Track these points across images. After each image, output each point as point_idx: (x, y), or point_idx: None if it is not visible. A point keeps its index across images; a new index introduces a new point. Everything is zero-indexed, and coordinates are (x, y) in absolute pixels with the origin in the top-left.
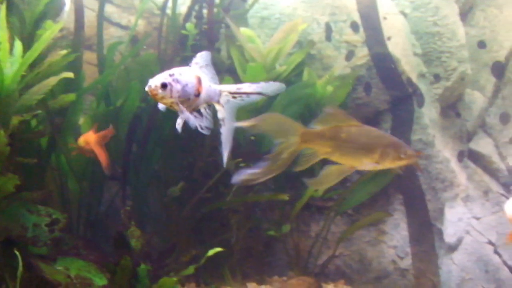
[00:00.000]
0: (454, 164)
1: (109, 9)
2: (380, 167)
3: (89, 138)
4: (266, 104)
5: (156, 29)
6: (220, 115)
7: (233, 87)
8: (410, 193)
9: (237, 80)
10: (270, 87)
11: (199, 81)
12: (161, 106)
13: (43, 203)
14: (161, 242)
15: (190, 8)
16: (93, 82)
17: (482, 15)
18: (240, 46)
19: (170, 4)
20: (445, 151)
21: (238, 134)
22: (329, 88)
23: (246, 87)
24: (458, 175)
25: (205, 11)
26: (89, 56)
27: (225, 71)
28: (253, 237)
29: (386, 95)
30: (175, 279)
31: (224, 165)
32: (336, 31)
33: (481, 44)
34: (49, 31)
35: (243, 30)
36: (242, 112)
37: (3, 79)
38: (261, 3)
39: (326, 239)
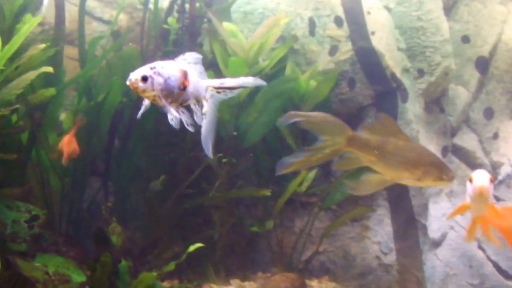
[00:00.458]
0: None
1: (91, 3)
2: (420, 184)
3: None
4: (248, 99)
5: (139, 24)
6: (204, 109)
7: (217, 82)
8: (394, 188)
9: (219, 75)
10: (253, 82)
11: (185, 75)
12: (146, 103)
13: (23, 199)
14: (143, 238)
15: (172, 3)
16: (74, 76)
17: (466, 10)
18: (223, 41)
19: None
20: (429, 146)
21: (220, 129)
22: (313, 83)
23: (229, 81)
24: None
25: (187, 5)
26: (71, 51)
27: (207, 66)
28: (237, 233)
29: (370, 90)
30: (154, 274)
31: (211, 156)
32: (320, 26)
33: (465, 39)
34: (28, 25)
35: (226, 24)
36: (225, 106)
37: None
38: None
39: (310, 235)
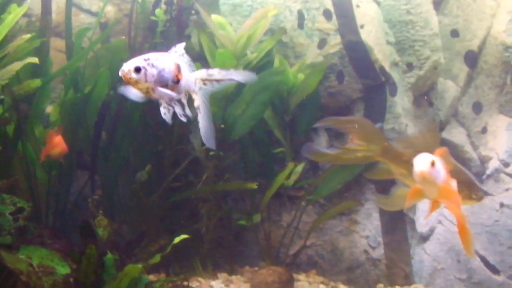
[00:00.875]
0: None
1: None
2: None
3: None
4: (236, 91)
5: (127, 16)
6: (195, 103)
7: (203, 73)
8: (382, 182)
9: (207, 67)
10: (241, 74)
11: (178, 68)
12: (134, 95)
13: (9, 191)
14: (130, 231)
15: None
16: (60, 68)
17: (455, 4)
18: (211, 33)
19: None
20: None
21: None
22: (301, 76)
23: (216, 73)
24: None
25: None
26: (59, 43)
27: (195, 58)
28: (224, 227)
29: (358, 84)
30: (140, 266)
31: (214, 148)
32: (309, 19)
33: (454, 33)
34: (13, 15)
35: (214, 17)
36: (212, 98)
37: None
38: None
39: (298, 229)
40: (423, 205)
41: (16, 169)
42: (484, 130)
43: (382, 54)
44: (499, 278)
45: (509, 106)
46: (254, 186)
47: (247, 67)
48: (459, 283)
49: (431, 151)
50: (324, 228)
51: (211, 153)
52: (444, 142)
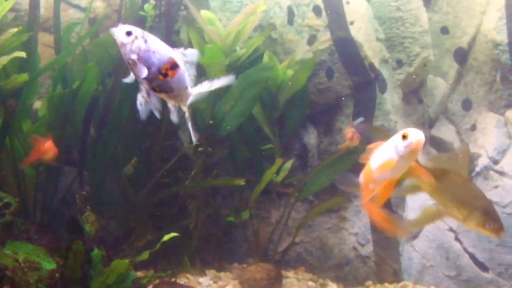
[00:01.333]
0: None
1: None
2: (464, 224)
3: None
4: (224, 87)
5: (116, 11)
6: (183, 109)
7: (198, 89)
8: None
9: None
10: (221, 81)
11: (172, 63)
12: (128, 79)
13: None
14: (118, 227)
15: None
16: (49, 63)
17: (445, 1)
18: (200, 28)
19: None
20: None
21: (197, 118)
22: (290, 72)
23: (205, 88)
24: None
25: None
26: (47, 39)
27: None
28: (213, 223)
29: (348, 81)
30: (127, 261)
31: (194, 141)
32: (299, 15)
33: (444, 30)
34: None
35: (204, 12)
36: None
37: None
38: None
39: (287, 226)
40: (412, 203)
41: (3, 165)
42: (473, 128)
43: (372, 50)
44: (488, 276)
45: (498, 103)
46: (242, 182)
47: (236, 62)
48: (448, 280)
49: (461, 172)
50: (313, 225)
51: (200, 149)
52: (433, 139)
